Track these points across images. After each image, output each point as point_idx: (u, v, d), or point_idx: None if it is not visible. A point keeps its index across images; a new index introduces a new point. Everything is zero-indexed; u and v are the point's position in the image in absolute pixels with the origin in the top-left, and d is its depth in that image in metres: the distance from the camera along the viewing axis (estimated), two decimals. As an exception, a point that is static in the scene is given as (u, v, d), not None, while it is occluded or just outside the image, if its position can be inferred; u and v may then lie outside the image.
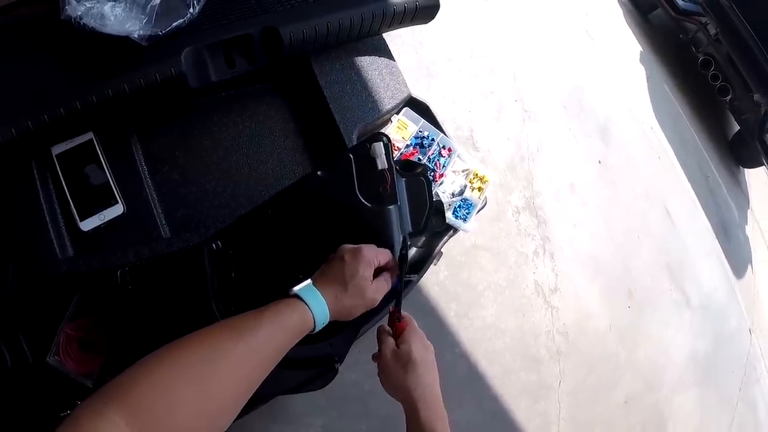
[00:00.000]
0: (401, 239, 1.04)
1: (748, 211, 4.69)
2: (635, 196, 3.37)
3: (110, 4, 0.92)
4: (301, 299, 0.72)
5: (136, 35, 0.89)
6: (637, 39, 4.23)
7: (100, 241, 0.93)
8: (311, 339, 0.77)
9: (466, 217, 1.54)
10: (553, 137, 3.06)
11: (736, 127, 4.60)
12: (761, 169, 4.74)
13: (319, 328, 0.74)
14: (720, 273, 3.84)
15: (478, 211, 1.58)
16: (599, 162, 3.26)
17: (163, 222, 1.00)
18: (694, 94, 4.53)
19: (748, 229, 4.51)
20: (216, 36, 1.01)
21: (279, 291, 0.77)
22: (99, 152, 0.96)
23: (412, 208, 1.10)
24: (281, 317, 0.69)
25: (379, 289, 0.83)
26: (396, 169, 1.08)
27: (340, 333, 0.97)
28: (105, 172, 0.95)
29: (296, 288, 0.75)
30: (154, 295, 0.92)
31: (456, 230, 1.55)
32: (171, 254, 0.94)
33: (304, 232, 0.98)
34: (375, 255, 0.84)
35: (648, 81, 4.06)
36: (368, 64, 1.31)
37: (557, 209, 2.84)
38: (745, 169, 4.89)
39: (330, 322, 0.77)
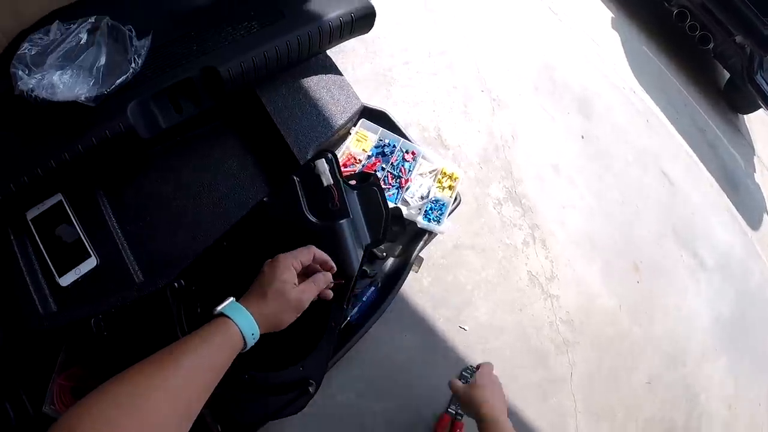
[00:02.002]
0: (359, 253, 1.07)
1: (754, 158, 4.49)
2: (627, 164, 3.24)
3: (58, 72, 1.01)
4: (226, 315, 0.77)
5: (83, 98, 0.97)
6: (606, 6, 4.10)
7: (79, 294, 1.00)
8: (282, 364, 0.84)
9: (440, 218, 1.48)
10: (528, 121, 2.96)
11: (727, 75, 4.43)
12: (760, 112, 4.54)
13: (251, 341, 0.78)
14: (734, 227, 3.66)
15: (453, 210, 1.53)
16: (582, 137, 3.14)
17: (136, 268, 1.06)
18: (675, 50, 4.36)
19: (757, 177, 4.31)
20: (158, 85, 1.07)
21: None
22: (69, 212, 1.04)
23: (368, 219, 1.13)
24: (209, 337, 0.73)
25: (305, 290, 0.86)
26: (345, 182, 1.11)
27: (310, 355, 0.99)
28: (76, 229, 1.04)
29: (219, 306, 0.79)
30: (129, 339, 0.96)
31: (433, 233, 1.49)
32: (140, 298, 1.00)
33: (261, 258, 1.01)
34: (293, 258, 0.87)
35: (624, 45, 3.92)
36: (315, 84, 1.34)
37: (542, 194, 2.73)
38: (744, 116, 4.70)
39: (299, 344, 0.86)
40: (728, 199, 3.77)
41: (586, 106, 3.27)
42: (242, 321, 0.77)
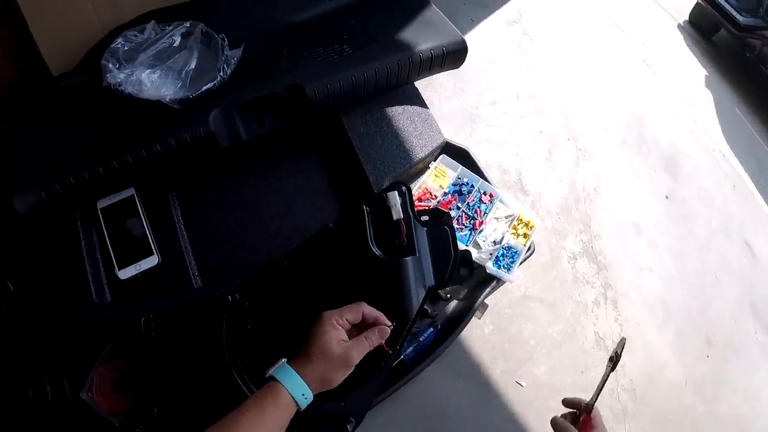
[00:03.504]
0: (420, 293, 1.01)
1: None
2: (711, 231, 3.11)
3: (148, 71, 1.01)
4: (276, 379, 0.76)
5: (168, 99, 0.96)
6: (701, 64, 3.99)
7: (135, 289, 0.99)
8: (323, 395, 0.80)
9: (510, 266, 1.44)
10: (613, 174, 2.90)
11: (824, 146, 4.20)
12: None
13: (303, 402, 0.77)
14: (819, 309, 3.44)
15: (525, 259, 1.49)
16: (666, 197, 3.05)
17: (196, 273, 1.04)
18: (769, 115, 4.19)
19: None
20: (244, 96, 1.06)
21: (292, 343, 0.81)
22: (139, 207, 1.04)
23: (435, 260, 1.07)
24: (263, 403, 0.74)
25: (353, 346, 0.83)
26: (416, 218, 1.06)
27: (355, 391, 0.93)
28: (144, 225, 1.03)
29: (271, 370, 0.78)
30: (175, 343, 0.95)
31: (501, 281, 1.47)
32: (193, 304, 0.97)
33: (318, 284, 0.98)
34: (338, 316, 0.84)
35: (716, 106, 3.79)
36: (399, 114, 1.32)
37: (620, 252, 2.66)
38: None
39: (345, 378, 0.82)
40: (813, 279, 3.55)
41: (673, 166, 3.17)
42: (291, 385, 0.76)
